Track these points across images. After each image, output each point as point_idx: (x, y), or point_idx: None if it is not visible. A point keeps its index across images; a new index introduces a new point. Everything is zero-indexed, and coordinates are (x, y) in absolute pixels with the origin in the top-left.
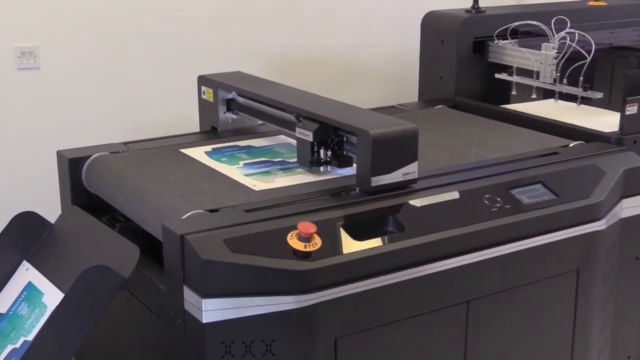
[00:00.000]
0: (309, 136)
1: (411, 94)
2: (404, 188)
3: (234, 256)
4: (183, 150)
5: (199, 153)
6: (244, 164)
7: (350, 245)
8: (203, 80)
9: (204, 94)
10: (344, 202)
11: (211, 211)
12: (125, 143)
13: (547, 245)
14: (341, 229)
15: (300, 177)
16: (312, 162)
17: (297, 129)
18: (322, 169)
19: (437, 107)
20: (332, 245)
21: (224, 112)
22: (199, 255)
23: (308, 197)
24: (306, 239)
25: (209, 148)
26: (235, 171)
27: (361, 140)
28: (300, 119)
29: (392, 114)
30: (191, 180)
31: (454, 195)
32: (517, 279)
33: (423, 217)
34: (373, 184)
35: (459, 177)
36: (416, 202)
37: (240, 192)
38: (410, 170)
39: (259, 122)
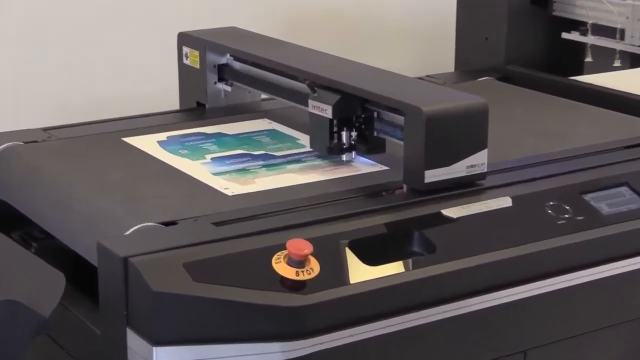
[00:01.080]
0: (326, 111)
1: (445, 62)
2: (470, 185)
3: (198, 287)
4: (127, 140)
5: (149, 143)
6: (212, 159)
7: (360, 272)
8: (185, 39)
9: (187, 57)
10: (358, 209)
11: (166, 224)
12: (45, 129)
13: (638, 272)
14: (347, 249)
15: (293, 177)
16: (331, 148)
17: (310, 101)
18: (344, 156)
19: (480, 79)
20: (334, 271)
21: (215, 83)
22: (148, 285)
23: (302, 204)
24: (298, 262)
25: (162, 136)
26: (200, 168)
27: (410, 121)
28: (315, 88)
29: None
30: (138, 181)
31: (505, 202)
32: (595, 319)
33: (460, 233)
34: (427, 180)
35: (511, 176)
36: (451, 212)
37: (206, 198)
38: (478, 162)
39: (263, 96)
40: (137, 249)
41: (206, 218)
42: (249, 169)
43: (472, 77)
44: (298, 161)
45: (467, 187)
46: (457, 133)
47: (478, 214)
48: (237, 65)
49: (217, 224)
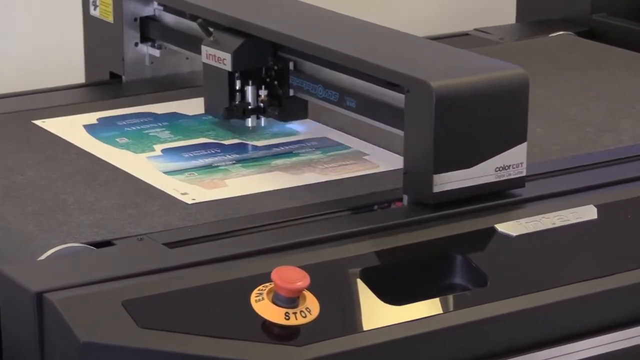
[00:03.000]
0: (224, 61)
1: (502, 10)
2: (502, 197)
3: (144, 336)
4: (40, 123)
5: (72, 129)
6: (163, 151)
7: (377, 314)
8: None
9: (95, 6)
10: (368, 225)
11: (98, 245)
12: None
13: None
14: (358, 280)
15: (279, 178)
16: (229, 110)
17: (203, 47)
18: (249, 121)
19: (554, 34)
20: (340, 313)
21: (136, 45)
22: (74, 333)
23: (294, 216)
24: (289, 300)
25: (91, 118)
26: (146, 165)
27: (411, 100)
28: (210, 29)
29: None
30: (58, 182)
31: (588, 213)
32: None
33: (521, 258)
34: (437, 189)
35: (595, 177)
36: (509, 229)
37: (155, 208)
38: (514, 161)
39: None
40: (56, 281)
41: (155, 236)
42: (217, 166)
43: (541, 31)
44: (288, 154)
45: (495, 199)
46: (483, 119)
47: (547, 231)
48: (170, 18)
49: (170, 244)
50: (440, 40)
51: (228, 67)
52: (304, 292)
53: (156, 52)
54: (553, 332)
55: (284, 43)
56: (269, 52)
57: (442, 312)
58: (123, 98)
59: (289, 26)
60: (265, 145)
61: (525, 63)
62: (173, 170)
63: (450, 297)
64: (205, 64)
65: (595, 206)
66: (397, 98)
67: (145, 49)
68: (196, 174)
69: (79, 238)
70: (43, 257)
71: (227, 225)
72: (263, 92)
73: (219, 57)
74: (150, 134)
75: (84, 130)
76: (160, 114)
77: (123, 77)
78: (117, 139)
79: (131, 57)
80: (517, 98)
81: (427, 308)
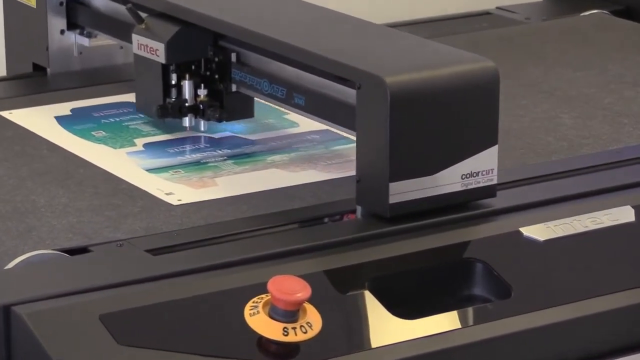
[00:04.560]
0: (157, 52)
1: None
2: (470, 208)
3: (123, 353)
4: (7, 115)
5: (42, 120)
6: (145, 145)
7: (388, 329)
8: None
9: None
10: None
11: (73, 252)
12: None
13: None
14: (366, 292)
15: (276, 176)
16: (162, 109)
17: (134, 36)
18: (186, 121)
19: (586, 13)
20: (345, 328)
21: (62, 32)
22: (45, 351)
23: (292, 219)
24: (288, 314)
25: (64, 109)
26: (126, 161)
27: (363, 97)
28: (141, 15)
29: (486, 29)
30: (27, 182)
31: (625, 214)
32: None
33: (550, 266)
34: (394, 200)
35: (629, 174)
36: (535, 233)
37: (137, 210)
38: (483, 167)
39: None
40: (26, 292)
41: (136, 242)
42: (206, 162)
43: (572, 9)
44: (286, 149)
45: (462, 211)
46: (446, 120)
47: (578, 236)
48: (100, 2)
49: (153, 251)
50: (459, 19)
51: (162, 58)
52: (304, 304)
53: (85, 41)
54: (591, 347)
55: (224, 32)
56: (208, 41)
57: (460, 327)
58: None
59: (231, 13)
60: (261, 139)
61: (554, 45)
62: (156, 168)
63: (470, 310)
64: (136, 55)
65: (634, 207)
66: (349, 94)
67: (73, 38)
68: (182, 171)
69: (50, 244)
70: (11, 265)
71: (217, 230)
72: (202, 92)
73: (151, 48)
74: (131, 126)
75: (56, 122)
76: None
77: (48, 69)
78: (93, 132)
79: (57, 46)
80: (486, 95)
81: (444, 322)
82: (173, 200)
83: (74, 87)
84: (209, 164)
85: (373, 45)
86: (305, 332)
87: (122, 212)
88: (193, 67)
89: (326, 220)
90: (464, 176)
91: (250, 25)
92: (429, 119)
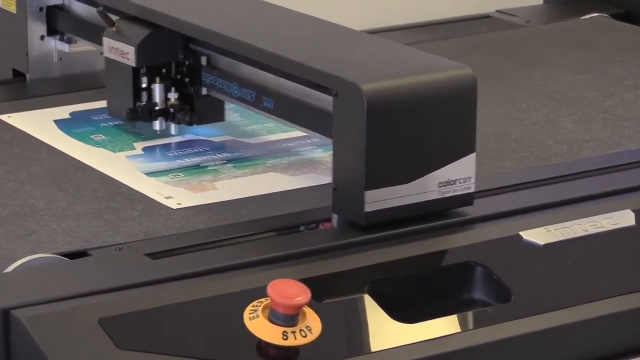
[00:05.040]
0: (128, 55)
1: None
2: (447, 216)
3: (123, 357)
4: (6, 118)
5: (42, 123)
6: (145, 149)
7: (387, 333)
8: None
9: None
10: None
11: (72, 255)
12: None
13: None
14: (366, 296)
15: (276, 180)
16: (134, 111)
17: (104, 39)
18: (157, 125)
19: (586, 17)
20: (345, 332)
21: (42, 38)
22: (44, 354)
23: (291, 223)
24: (288, 318)
25: (63, 112)
26: (125, 165)
27: (340, 104)
28: (111, 18)
29: (486, 32)
30: (26, 185)
31: (625, 218)
32: None
33: (550, 269)
34: (370, 208)
35: (630, 178)
36: (534, 237)
37: (136, 214)
38: (461, 175)
39: None
40: (25, 296)
41: (136, 246)
42: (205, 166)
43: (572, 12)
44: (286, 152)
45: (439, 220)
46: (423, 127)
47: (578, 239)
48: (80, 7)
49: (153, 255)
50: (459, 23)
51: (132, 62)
52: (304, 308)
53: (65, 47)
54: (592, 352)
55: (195, 35)
56: (179, 45)
57: (459, 330)
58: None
59: (202, 16)
60: (259, 143)
61: (555, 48)
62: (156, 171)
63: (470, 314)
64: (107, 59)
65: (634, 211)
66: (325, 100)
67: (53, 43)
68: (182, 175)
69: (50, 248)
70: (10, 269)
71: (216, 234)
72: (173, 95)
73: (121, 51)
74: (130, 130)
75: (55, 125)
76: None
77: (27, 75)
78: (92, 136)
79: (36, 52)
80: (464, 102)
81: (443, 326)
82: (172, 204)
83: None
84: (209, 168)
85: (350, 51)
86: (305, 336)
87: (122, 215)
88: (164, 70)
89: (302, 228)
90: (441, 184)
91: (221, 29)
92: (405, 127)
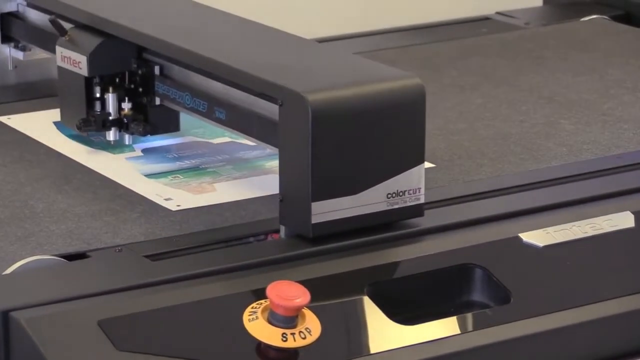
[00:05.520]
0: (80, 64)
1: None
2: (396, 228)
3: (122, 359)
4: (5, 120)
5: (40, 125)
6: (144, 151)
7: (386, 335)
8: None
9: None
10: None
11: (71, 257)
12: None
13: None
14: (365, 298)
15: (275, 181)
16: (87, 121)
17: (57, 48)
18: (110, 135)
19: (586, 19)
20: (344, 334)
21: None
22: (43, 356)
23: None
24: (287, 319)
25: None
26: (125, 167)
27: (285, 114)
28: (63, 27)
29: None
30: (26, 187)
31: (624, 220)
32: None
33: (550, 271)
34: (317, 219)
35: (629, 180)
36: (534, 239)
37: (136, 215)
38: (410, 186)
39: None
40: (24, 298)
41: (135, 247)
42: (205, 168)
43: (572, 14)
44: None
45: (388, 231)
46: (370, 138)
47: (577, 241)
48: (35, 15)
49: (152, 257)
50: (458, 25)
51: (84, 71)
52: (303, 310)
53: (20, 55)
54: (593, 354)
55: (146, 45)
56: (132, 54)
57: (459, 332)
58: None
59: (155, 25)
60: (259, 145)
61: (554, 50)
62: (155, 173)
63: (469, 317)
64: (59, 68)
65: (633, 213)
66: (273, 110)
67: (8, 51)
68: (181, 177)
69: (49, 249)
70: (9, 270)
71: (215, 235)
72: (126, 105)
73: (74, 60)
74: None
75: (54, 127)
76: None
77: None
78: (91, 138)
79: None
80: (412, 112)
81: (443, 328)
82: (172, 205)
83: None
84: (208, 169)
85: (297, 61)
86: (305, 338)
87: (121, 217)
88: (117, 80)
89: (252, 239)
90: (389, 195)
91: (173, 39)
92: (352, 137)
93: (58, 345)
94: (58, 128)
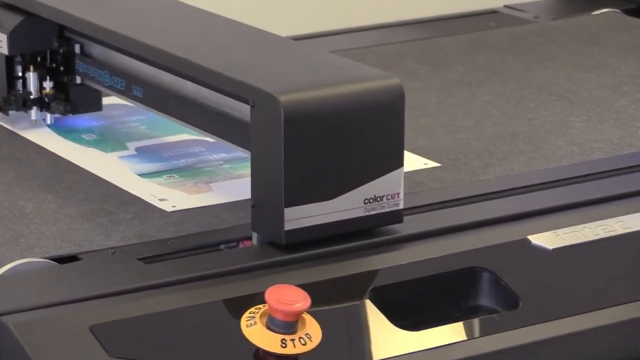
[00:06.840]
0: (0, 43)
1: None
2: (374, 235)
3: None
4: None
5: (28, 122)
6: (138, 150)
7: (390, 341)
8: None
9: None
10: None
11: (62, 260)
12: None
13: None
14: (367, 301)
15: None
16: (7, 101)
17: None
18: (33, 114)
19: (597, 12)
20: (346, 340)
21: None
22: None
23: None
24: (286, 325)
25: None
26: (118, 166)
27: (257, 116)
28: None
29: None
30: (14, 187)
31: (637, 222)
32: None
33: (559, 274)
34: (290, 226)
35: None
36: (543, 241)
37: (129, 216)
38: (388, 191)
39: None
40: (13, 302)
41: (129, 250)
42: (201, 167)
43: (583, 7)
44: None
45: (365, 238)
46: (346, 141)
47: (588, 244)
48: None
49: (146, 259)
50: (465, 18)
51: (4, 49)
52: (303, 315)
53: None
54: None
55: (65, 23)
56: (53, 32)
57: (466, 338)
58: None
59: (75, 4)
60: None
61: (564, 45)
62: (150, 172)
63: (476, 322)
64: None
65: None
66: (245, 111)
67: None
68: (177, 176)
69: (39, 252)
70: None
71: (212, 237)
72: (48, 84)
73: None
74: (123, 129)
75: (46, 127)
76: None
77: None
78: (83, 135)
79: None
80: (390, 114)
81: (449, 334)
82: (167, 206)
83: None
84: (204, 169)
85: (270, 59)
86: (305, 344)
87: (114, 218)
88: (38, 58)
89: (222, 247)
90: (366, 201)
91: (93, 17)
92: (327, 140)
93: (48, 351)
94: (49, 125)
